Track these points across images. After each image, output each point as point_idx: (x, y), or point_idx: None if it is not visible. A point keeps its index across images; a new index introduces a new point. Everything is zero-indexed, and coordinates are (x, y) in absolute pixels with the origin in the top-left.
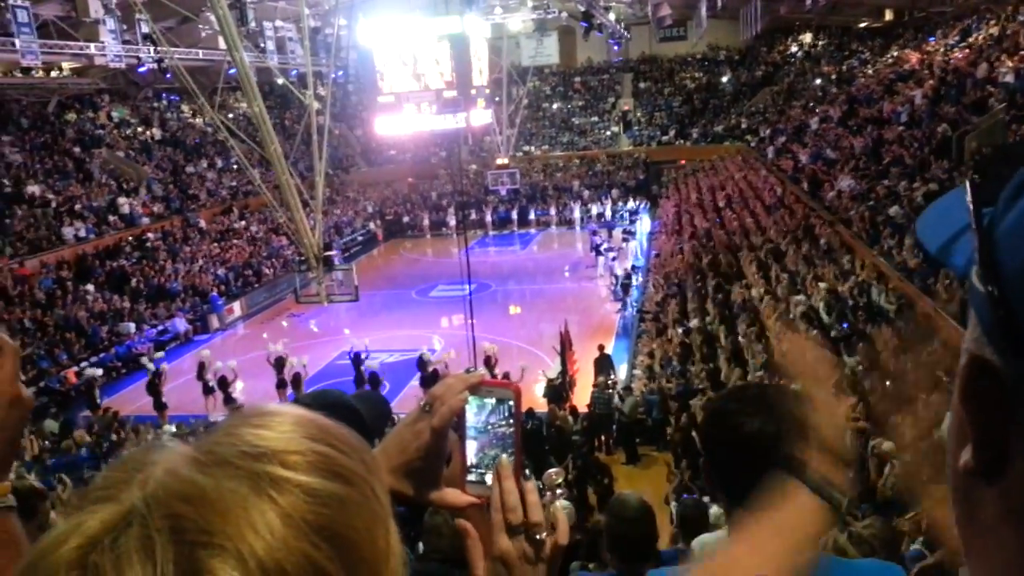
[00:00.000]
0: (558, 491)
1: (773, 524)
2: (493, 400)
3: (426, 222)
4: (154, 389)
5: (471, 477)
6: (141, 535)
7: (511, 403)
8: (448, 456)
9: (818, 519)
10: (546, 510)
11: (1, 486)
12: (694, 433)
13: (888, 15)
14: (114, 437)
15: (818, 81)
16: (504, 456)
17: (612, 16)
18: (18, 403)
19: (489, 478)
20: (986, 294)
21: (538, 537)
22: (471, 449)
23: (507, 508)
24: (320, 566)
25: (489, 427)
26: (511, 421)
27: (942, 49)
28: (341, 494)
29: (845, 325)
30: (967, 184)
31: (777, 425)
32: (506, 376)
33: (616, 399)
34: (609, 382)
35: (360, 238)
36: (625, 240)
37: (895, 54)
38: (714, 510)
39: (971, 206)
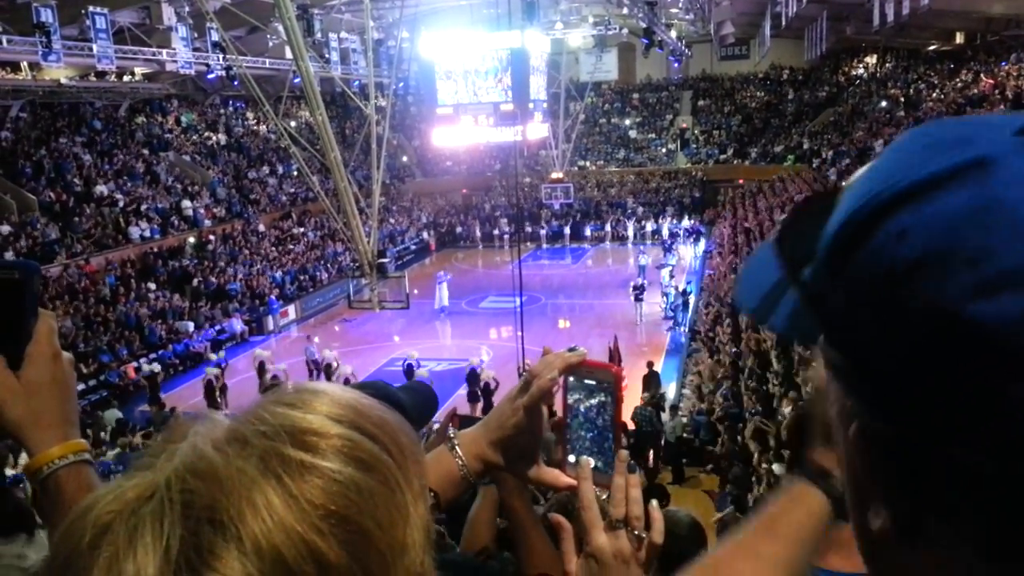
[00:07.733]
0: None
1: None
2: (594, 381)
3: (478, 233)
4: (211, 389)
5: (571, 458)
6: (158, 507)
7: (611, 386)
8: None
9: (818, 513)
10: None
11: (77, 443)
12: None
13: (959, 38)
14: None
15: (884, 104)
16: (585, 458)
17: (673, 33)
18: (60, 357)
19: (592, 461)
20: (848, 363)
21: (637, 533)
22: (571, 431)
23: (613, 502)
24: (319, 552)
25: (589, 410)
26: (609, 406)
27: (1016, 73)
28: (359, 481)
29: None
30: (773, 243)
31: None
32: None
33: (659, 416)
34: (654, 398)
35: (413, 247)
36: (672, 243)
37: (966, 78)
38: None
39: (788, 271)
